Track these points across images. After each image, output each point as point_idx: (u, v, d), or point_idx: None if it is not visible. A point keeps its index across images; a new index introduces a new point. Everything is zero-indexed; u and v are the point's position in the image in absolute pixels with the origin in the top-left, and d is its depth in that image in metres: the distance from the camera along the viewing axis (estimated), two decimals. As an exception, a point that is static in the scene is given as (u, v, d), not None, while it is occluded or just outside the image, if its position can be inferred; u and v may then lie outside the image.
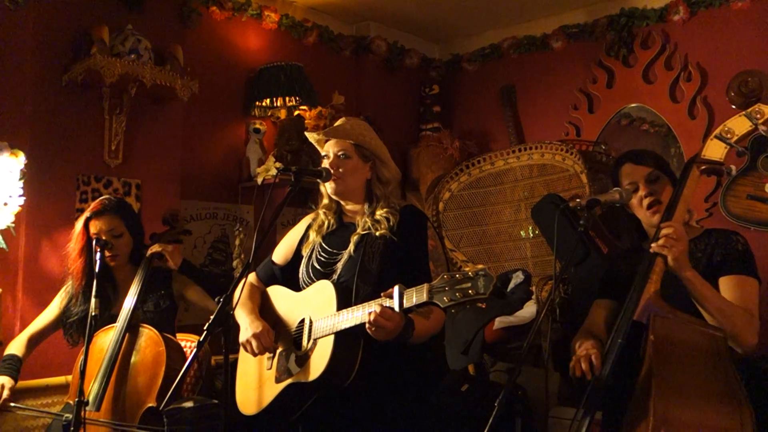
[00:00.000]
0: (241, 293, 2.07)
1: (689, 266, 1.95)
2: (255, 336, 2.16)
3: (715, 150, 2.08)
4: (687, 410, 1.74)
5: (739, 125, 2.08)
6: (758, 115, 2.08)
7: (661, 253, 1.94)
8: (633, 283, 1.98)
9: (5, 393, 2.54)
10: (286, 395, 2.12)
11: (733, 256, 2.07)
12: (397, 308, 1.90)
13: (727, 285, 2.06)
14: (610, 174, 2.36)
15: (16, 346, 2.73)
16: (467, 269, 1.81)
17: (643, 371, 1.83)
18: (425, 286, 1.85)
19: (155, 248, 2.76)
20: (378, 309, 1.91)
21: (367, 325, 1.93)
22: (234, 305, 2.01)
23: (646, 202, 2.17)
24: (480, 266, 1.80)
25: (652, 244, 1.97)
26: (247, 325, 2.22)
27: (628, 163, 2.24)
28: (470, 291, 1.76)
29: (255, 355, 2.19)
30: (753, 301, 2.04)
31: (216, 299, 1.98)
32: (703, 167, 2.06)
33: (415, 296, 1.87)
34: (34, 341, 2.78)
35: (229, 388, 2.05)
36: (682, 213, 2.03)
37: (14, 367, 2.64)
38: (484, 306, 1.79)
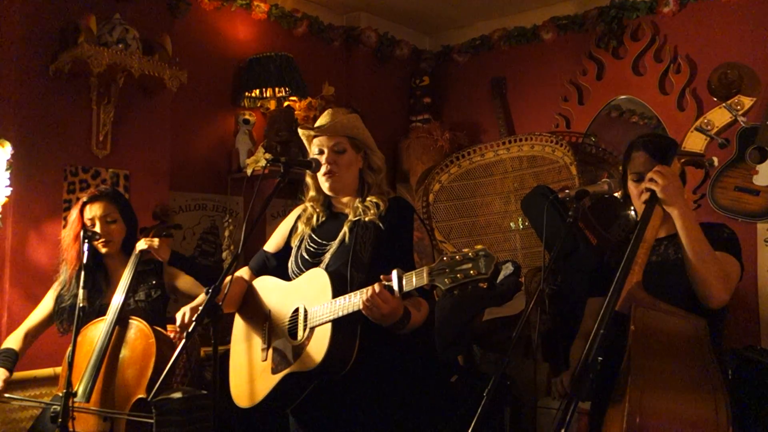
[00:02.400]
0: (230, 284, 2.07)
1: (679, 202, 1.97)
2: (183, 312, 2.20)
3: (695, 142, 2.09)
4: (662, 398, 1.77)
5: (719, 117, 2.09)
6: (738, 107, 2.09)
7: (650, 188, 1.97)
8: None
9: (0, 384, 2.55)
10: (285, 385, 2.12)
11: (718, 241, 2.07)
12: (396, 291, 1.90)
13: None
14: (600, 161, 2.34)
15: (13, 341, 2.74)
16: (467, 250, 1.79)
17: (624, 361, 1.85)
18: (425, 268, 1.85)
19: (141, 245, 2.75)
20: (378, 288, 1.91)
21: (362, 302, 1.93)
22: (223, 296, 2.01)
23: (644, 197, 2.12)
24: (479, 246, 1.79)
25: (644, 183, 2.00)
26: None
27: (643, 153, 2.17)
28: (472, 272, 1.75)
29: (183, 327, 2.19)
30: (733, 272, 2.05)
31: (205, 290, 1.98)
32: (683, 159, 2.07)
33: (415, 279, 1.87)
34: (31, 336, 2.78)
35: (218, 379, 2.04)
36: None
37: (10, 359, 2.66)
38: (485, 286, 1.79)
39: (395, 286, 1.90)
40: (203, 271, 2.95)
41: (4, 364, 2.63)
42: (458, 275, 1.77)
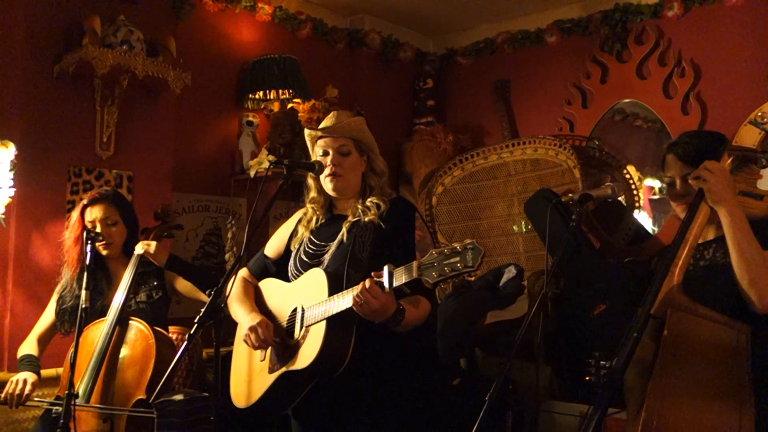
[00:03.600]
0: (232, 286, 2.06)
1: (726, 200, 1.86)
2: (252, 329, 2.15)
3: (748, 136, 1.96)
4: (681, 406, 1.72)
5: None
6: None
7: (699, 185, 1.87)
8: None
9: (28, 387, 2.58)
10: (279, 385, 2.12)
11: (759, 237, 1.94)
12: (386, 286, 1.90)
13: None
14: (602, 167, 2.30)
15: (29, 347, 2.76)
16: (455, 244, 1.80)
17: (651, 368, 1.79)
18: (414, 263, 1.86)
19: (139, 249, 2.74)
20: (368, 284, 1.91)
21: (353, 300, 1.93)
22: (225, 298, 2.00)
23: (680, 202, 2.06)
24: (468, 240, 1.80)
25: (690, 178, 1.88)
26: (246, 320, 2.21)
27: (672, 157, 2.10)
28: (459, 265, 1.77)
29: (256, 348, 2.18)
30: None
31: (207, 292, 1.98)
32: (734, 155, 1.95)
33: (404, 274, 1.88)
34: (43, 341, 2.80)
35: (220, 381, 2.04)
36: (708, 207, 1.93)
37: (35, 363, 2.69)
38: (473, 278, 1.80)
39: (386, 282, 1.90)
40: (202, 275, 2.94)
41: (33, 368, 2.66)
42: (446, 269, 1.79)
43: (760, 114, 1.92)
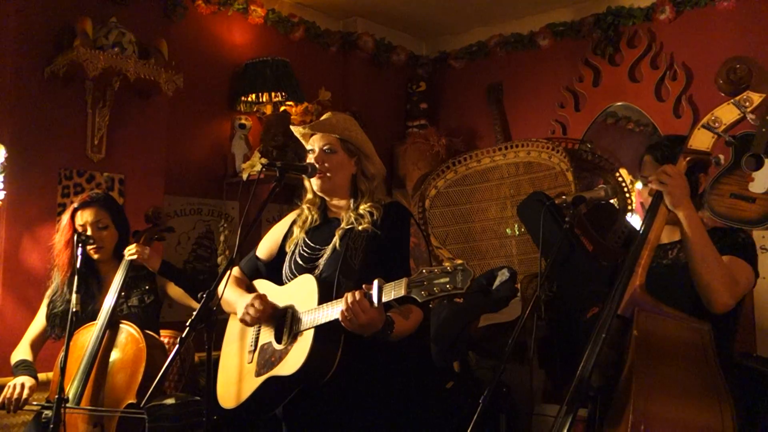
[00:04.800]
0: (224, 289, 2.05)
1: (684, 203, 1.92)
2: (248, 305, 2.14)
3: (702, 140, 2.00)
4: (667, 406, 1.74)
5: (727, 114, 2.00)
6: (747, 103, 2.00)
7: (656, 188, 1.93)
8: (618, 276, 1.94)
9: (26, 392, 2.55)
10: (265, 389, 2.11)
11: (732, 245, 2.03)
12: (375, 301, 1.89)
13: None
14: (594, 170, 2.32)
15: (23, 352, 2.74)
16: (446, 264, 1.81)
17: (626, 367, 1.82)
18: (404, 280, 1.85)
19: (132, 255, 2.72)
20: (358, 296, 1.91)
21: (341, 312, 1.92)
22: (218, 300, 1.99)
23: (647, 195, 2.10)
24: (459, 261, 1.81)
25: (650, 183, 1.95)
26: (241, 299, 2.20)
27: (650, 158, 2.16)
28: (448, 286, 1.78)
29: (255, 322, 2.16)
30: (743, 277, 1.98)
31: (199, 295, 1.96)
32: (688, 158, 1.99)
33: (393, 290, 1.87)
34: (35, 346, 2.78)
35: (212, 385, 2.02)
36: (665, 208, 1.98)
37: (31, 368, 2.67)
38: (461, 300, 1.80)
39: (374, 297, 1.90)
40: (194, 281, 2.91)
41: (30, 373, 2.63)
42: (435, 288, 1.79)
43: (713, 118, 1.98)
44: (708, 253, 1.91)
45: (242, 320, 2.18)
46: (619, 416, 1.78)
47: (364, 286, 1.94)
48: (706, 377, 1.77)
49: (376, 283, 1.91)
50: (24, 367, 2.66)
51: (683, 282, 1.98)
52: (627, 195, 3.95)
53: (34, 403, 2.61)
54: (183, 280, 2.82)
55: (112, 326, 2.62)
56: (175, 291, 2.83)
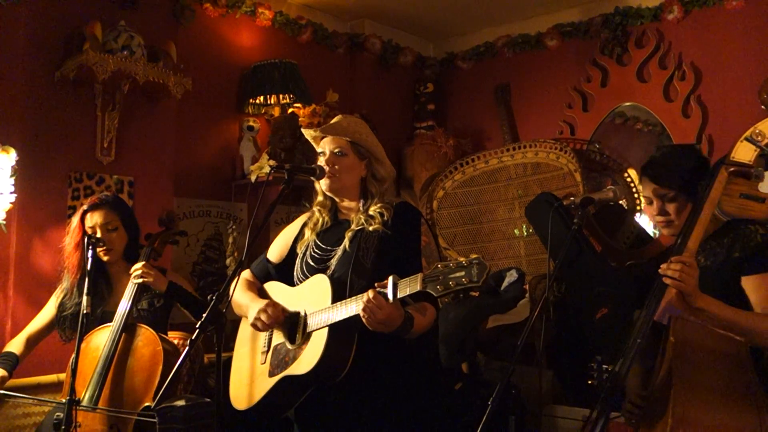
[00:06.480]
0: (234, 290, 2.06)
1: (700, 297, 1.86)
2: (261, 310, 2.16)
3: (744, 152, 2.01)
4: (706, 412, 1.72)
5: None
6: None
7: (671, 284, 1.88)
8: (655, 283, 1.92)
9: None
10: (280, 389, 2.11)
11: (753, 251, 2.00)
12: (390, 297, 1.90)
13: (751, 286, 1.98)
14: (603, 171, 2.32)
15: (14, 345, 2.75)
16: (461, 259, 1.81)
17: (662, 372, 1.80)
18: (419, 275, 1.86)
19: (137, 279, 2.68)
20: (372, 294, 1.91)
21: (360, 312, 1.93)
22: (227, 301, 2.00)
23: (657, 219, 2.11)
24: (474, 255, 1.81)
25: (663, 274, 1.89)
26: (253, 305, 2.21)
27: (645, 178, 2.16)
28: (464, 279, 1.78)
29: (266, 328, 2.18)
30: None
31: (209, 297, 1.97)
32: (731, 169, 2.01)
33: (408, 286, 1.88)
34: (32, 341, 2.79)
35: (222, 386, 2.03)
36: (707, 216, 1.97)
37: (10, 362, 2.67)
38: (476, 294, 1.80)
39: (389, 293, 1.90)
40: (200, 306, 2.85)
41: (4, 365, 2.64)
42: (450, 283, 1.79)
43: (756, 131, 1.97)
44: (749, 324, 1.86)
45: (253, 326, 2.20)
46: (656, 419, 1.77)
47: (377, 284, 1.95)
48: (745, 388, 1.75)
49: (390, 279, 1.91)
50: (3, 359, 2.67)
51: (713, 287, 1.94)
52: (636, 195, 3.94)
53: (48, 401, 2.63)
54: (190, 305, 2.80)
55: (127, 329, 2.62)
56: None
